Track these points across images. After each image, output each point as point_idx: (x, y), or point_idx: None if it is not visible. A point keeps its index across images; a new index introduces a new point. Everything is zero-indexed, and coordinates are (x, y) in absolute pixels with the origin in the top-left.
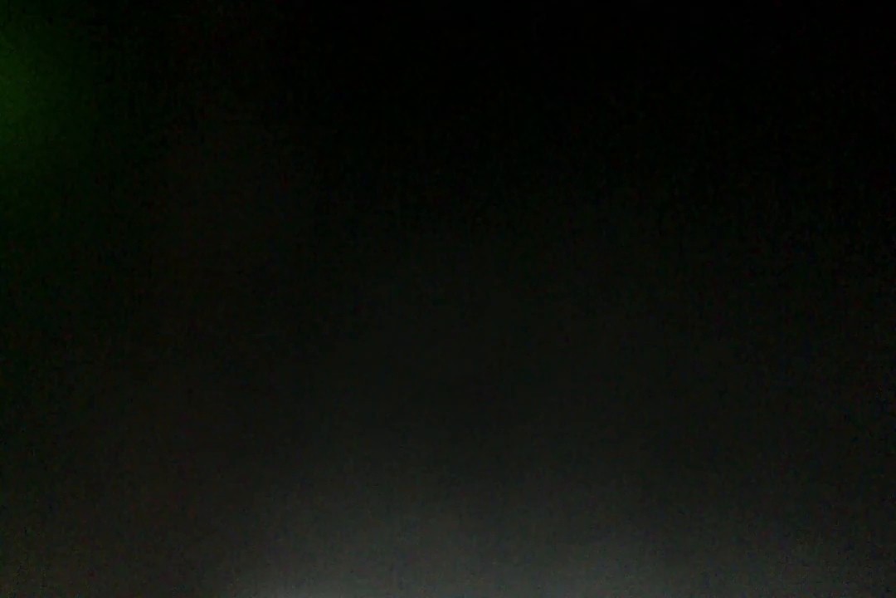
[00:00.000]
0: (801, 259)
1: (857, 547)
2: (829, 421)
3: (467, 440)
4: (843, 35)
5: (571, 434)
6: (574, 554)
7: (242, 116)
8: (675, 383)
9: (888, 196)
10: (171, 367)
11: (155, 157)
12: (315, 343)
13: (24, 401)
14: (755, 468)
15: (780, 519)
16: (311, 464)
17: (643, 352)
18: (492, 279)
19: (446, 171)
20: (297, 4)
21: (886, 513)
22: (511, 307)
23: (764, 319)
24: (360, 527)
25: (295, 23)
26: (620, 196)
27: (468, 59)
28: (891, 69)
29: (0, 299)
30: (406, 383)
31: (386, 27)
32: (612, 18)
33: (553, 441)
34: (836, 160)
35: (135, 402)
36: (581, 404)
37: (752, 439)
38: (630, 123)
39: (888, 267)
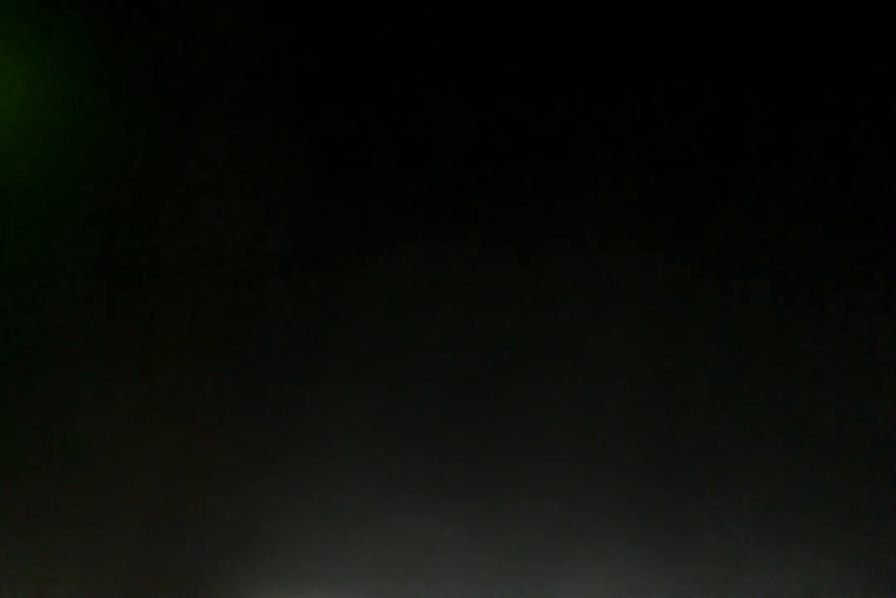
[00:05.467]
0: (803, 264)
1: (856, 548)
2: (829, 422)
3: (468, 441)
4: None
5: (572, 436)
6: (574, 555)
7: (244, 114)
8: (674, 383)
9: (888, 201)
10: (169, 365)
11: (155, 156)
12: (315, 343)
13: (22, 401)
14: (755, 469)
15: (779, 520)
16: (311, 464)
17: (643, 353)
18: (492, 280)
19: (447, 171)
20: (297, 4)
21: (886, 514)
22: (511, 312)
23: (764, 321)
24: (361, 528)
25: (294, 21)
26: (622, 197)
27: (469, 57)
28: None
29: None
30: (407, 384)
31: (387, 26)
32: (614, 20)
33: (554, 442)
34: (835, 163)
35: (133, 401)
36: (581, 405)
37: (752, 439)
38: (633, 126)
39: (889, 273)
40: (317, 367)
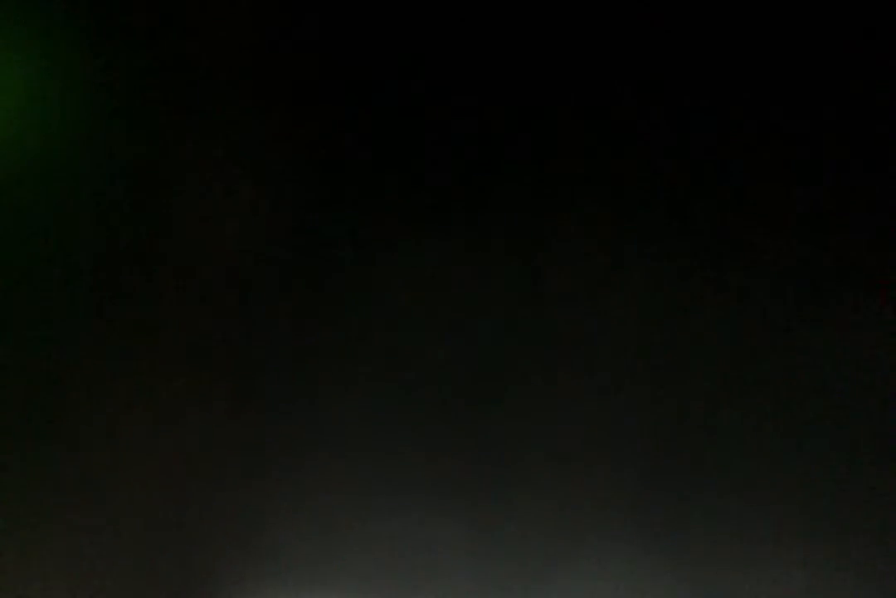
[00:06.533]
0: (803, 265)
1: (856, 548)
2: (829, 422)
3: (468, 441)
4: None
5: (572, 436)
6: (574, 555)
7: (243, 115)
8: (674, 383)
9: (888, 203)
10: (170, 366)
11: (154, 156)
12: (316, 344)
13: (23, 402)
14: (756, 468)
15: (779, 519)
16: (312, 464)
17: (643, 353)
18: (492, 282)
19: (446, 174)
20: (297, 5)
21: (886, 513)
22: (511, 313)
23: (765, 321)
24: (361, 528)
25: (294, 23)
26: (621, 197)
27: (466, 59)
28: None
29: None
30: (407, 385)
31: (386, 27)
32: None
33: (554, 442)
34: (836, 165)
35: (134, 403)
36: (581, 405)
37: (752, 439)
38: (633, 126)
39: (889, 274)
40: (316, 367)
